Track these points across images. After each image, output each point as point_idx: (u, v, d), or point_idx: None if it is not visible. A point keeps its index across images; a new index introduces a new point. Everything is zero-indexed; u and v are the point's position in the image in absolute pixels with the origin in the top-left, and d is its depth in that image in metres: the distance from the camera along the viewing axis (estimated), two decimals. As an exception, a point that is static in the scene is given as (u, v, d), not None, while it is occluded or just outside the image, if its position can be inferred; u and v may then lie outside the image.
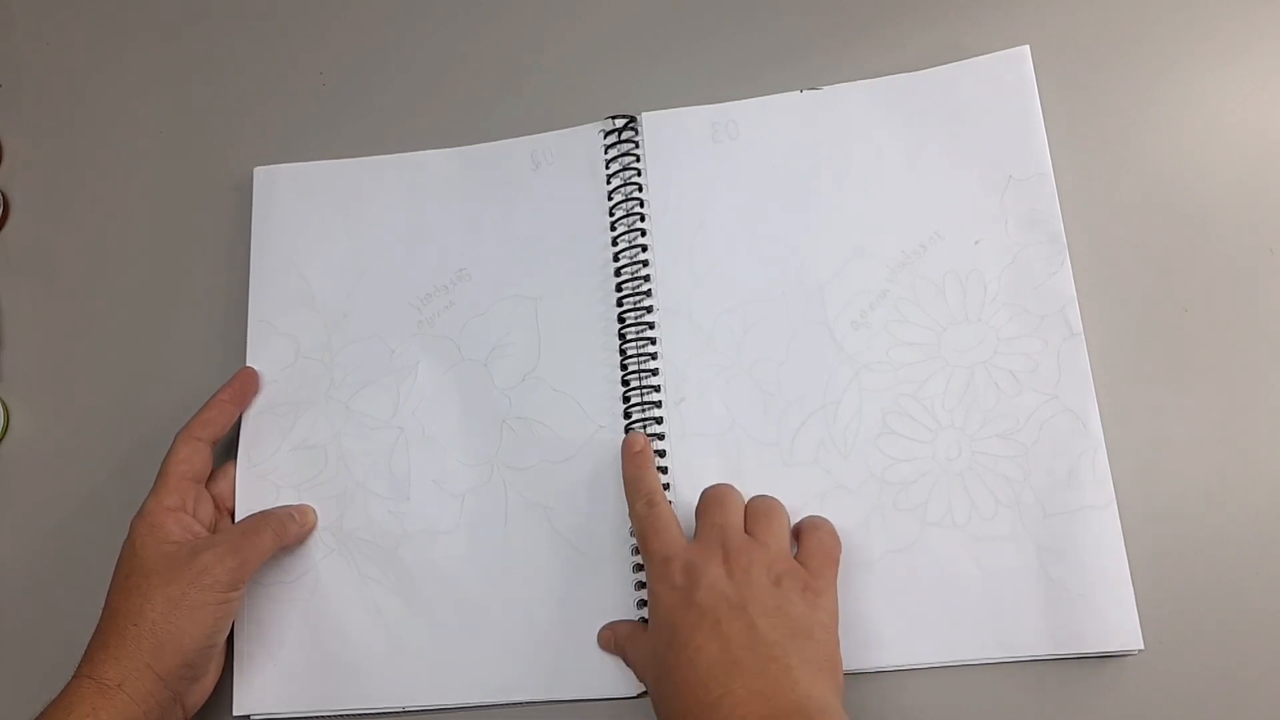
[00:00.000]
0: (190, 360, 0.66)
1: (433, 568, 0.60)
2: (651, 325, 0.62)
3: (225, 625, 0.55)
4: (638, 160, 0.64)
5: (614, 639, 0.57)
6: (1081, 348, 0.57)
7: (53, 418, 0.67)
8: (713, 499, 0.56)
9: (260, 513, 0.60)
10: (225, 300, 0.67)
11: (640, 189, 0.64)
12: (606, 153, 0.65)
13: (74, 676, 0.52)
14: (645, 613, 0.57)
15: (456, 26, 0.71)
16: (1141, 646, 0.53)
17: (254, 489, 0.62)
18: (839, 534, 0.55)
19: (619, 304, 0.62)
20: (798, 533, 0.56)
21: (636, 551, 0.58)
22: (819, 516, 0.56)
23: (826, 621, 0.51)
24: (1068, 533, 0.55)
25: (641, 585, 0.58)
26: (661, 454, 0.59)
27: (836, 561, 0.54)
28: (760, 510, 0.55)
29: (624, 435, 0.60)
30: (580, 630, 0.58)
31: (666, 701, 0.50)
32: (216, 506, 0.61)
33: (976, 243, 0.60)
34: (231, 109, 0.71)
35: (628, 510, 0.58)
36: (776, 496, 0.57)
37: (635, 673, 0.55)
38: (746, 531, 0.54)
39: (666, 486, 0.59)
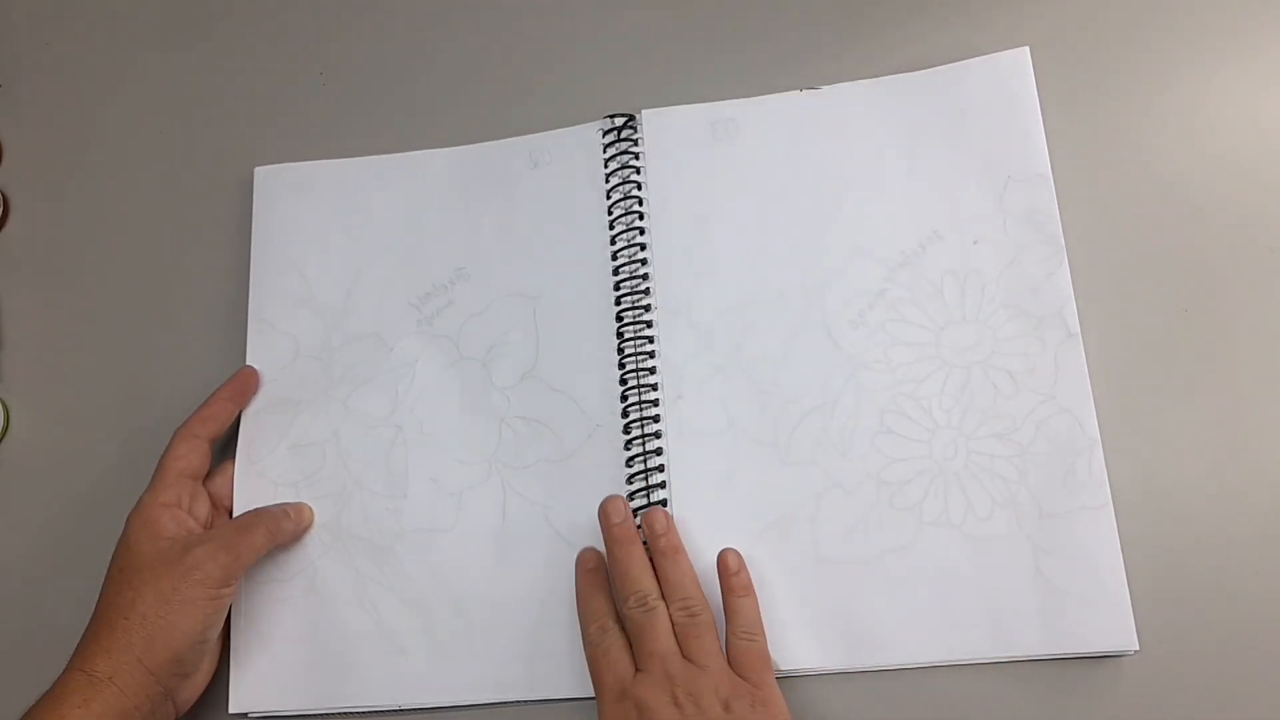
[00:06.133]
0: (190, 360, 0.66)
1: (430, 566, 0.60)
2: (650, 324, 0.62)
3: (217, 621, 0.55)
4: (637, 159, 0.64)
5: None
6: (1079, 348, 0.57)
7: (53, 418, 0.67)
8: (643, 623, 0.54)
9: (255, 510, 0.60)
10: (225, 300, 0.67)
11: (639, 188, 0.64)
12: (605, 151, 0.65)
13: (65, 669, 0.52)
14: None
15: (456, 27, 0.71)
16: (1137, 647, 0.53)
17: (252, 487, 0.62)
18: (761, 621, 0.55)
19: (617, 303, 0.62)
20: (725, 642, 0.55)
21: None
22: (737, 609, 0.55)
23: None
24: (1064, 533, 0.55)
25: None
26: (659, 452, 0.59)
27: (769, 660, 0.54)
28: (688, 630, 0.54)
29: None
30: (577, 629, 0.57)
31: None
32: (214, 504, 0.61)
33: (975, 243, 0.60)
34: (232, 109, 0.71)
35: (580, 626, 0.56)
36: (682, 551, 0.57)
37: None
38: (681, 650, 0.53)
39: (663, 485, 0.59)
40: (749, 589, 0.56)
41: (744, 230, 0.62)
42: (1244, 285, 0.59)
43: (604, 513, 0.58)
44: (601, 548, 0.58)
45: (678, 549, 0.57)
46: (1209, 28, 0.63)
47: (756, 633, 0.55)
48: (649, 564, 0.56)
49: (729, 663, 0.54)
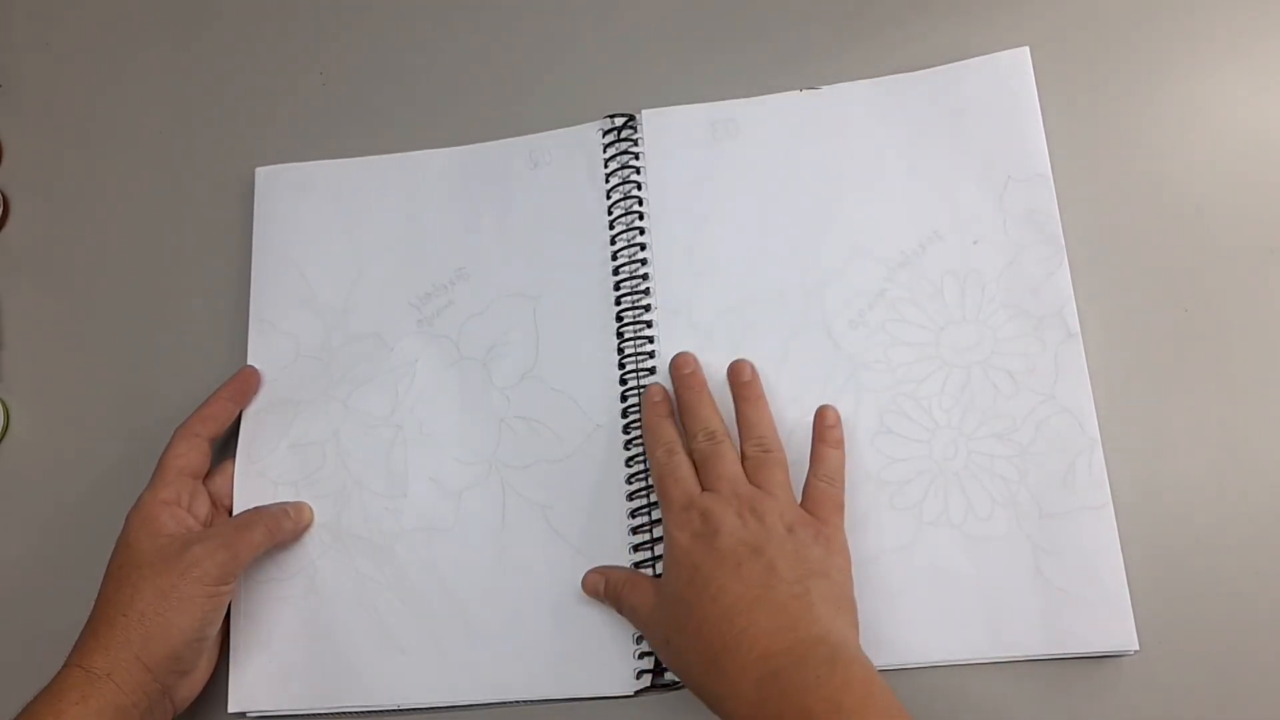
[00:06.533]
0: (190, 360, 0.67)
1: (429, 565, 0.60)
2: (650, 324, 0.62)
3: (215, 619, 0.55)
4: (637, 159, 0.64)
5: (606, 584, 0.57)
6: (1079, 348, 0.57)
7: (53, 418, 0.67)
8: (710, 453, 0.56)
9: (254, 508, 0.60)
10: (225, 300, 0.67)
11: (639, 188, 0.64)
12: (605, 151, 0.65)
13: (64, 665, 0.52)
14: (638, 562, 0.58)
15: (456, 27, 0.71)
16: (1137, 647, 0.53)
17: (252, 486, 0.62)
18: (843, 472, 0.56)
19: (617, 303, 0.62)
20: (804, 483, 0.56)
21: (634, 550, 0.58)
22: (823, 456, 0.56)
23: (842, 564, 0.53)
24: (1064, 533, 0.55)
25: (640, 544, 0.58)
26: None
27: (842, 508, 0.55)
28: (760, 463, 0.56)
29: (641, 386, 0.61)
30: (578, 629, 0.58)
31: (684, 639, 0.51)
32: (214, 503, 0.61)
33: (975, 243, 0.60)
34: (232, 109, 0.72)
35: (646, 457, 0.58)
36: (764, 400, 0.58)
37: (633, 618, 0.55)
38: (750, 480, 0.55)
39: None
40: (841, 443, 0.57)
41: (744, 230, 0.62)
42: (1244, 285, 0.59)
43: (675, 364, 0.60)
44: (601, 549, 0.59)
45: (761, 396, 0.58)
46: (1209, 28, 0.63)
47: (837, 481, 0.56)
48: (717, 407, 0.58)
49: (803, 501, 0.55)
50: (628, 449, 0.60)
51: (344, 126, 0.70)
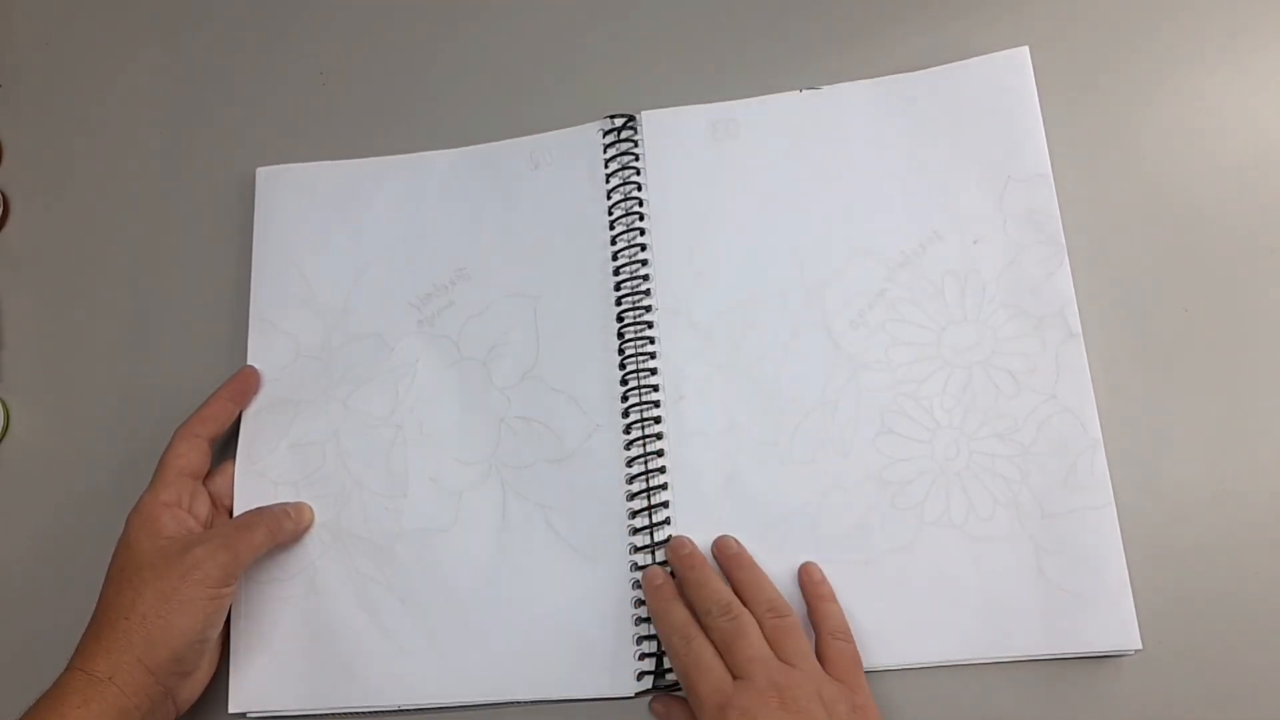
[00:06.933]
0: (190, 360, 0.66)
1: (430, 566, 0.60)
2: (650, 324, 0.61)
3: (217, 620, 0.55)
4: (637, 159, 0.64)
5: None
6: (1080, 348, 0.57)
7: (53, 418, 0.67)
8: (732, 631, 0.53)
9: (255, 509, 0.60)
10: (225, 300, 0.67)
11: (639, 188, 0.64)
12: (605, 152, 0.65)
13: (66, 669, 0.52)
14: (638, 564, 0.57)
15: (457, 27, 0.71)
16: (1139, 647, 0.53)
17: (252, 486, 0.62)
18: (848, 620, 0.55)
19: (618, 303, 0.62)
20: (816, 644, 0.54)
21: (635, 550, 0.58)
22: (826, 612, 0.55)
23: None
24: (1065, 533, 0.55)
25: (640, 546, 0.58)
26: (660, 454, 0.59)
27: (861, 663, 0.54)
28: (779, 631, 0.53)
29: (639, 567, 0.58)
30: (577, 629, 0.58)
31: None
32: (214, 504, 0.61)
33: (975, 243, 0.60)
34: (232, 109, 0.71)
35: (662, 645, 0.56)
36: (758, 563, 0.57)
37: None
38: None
39: (664, 487, 0.59)
40: (834, 596, 0.56)
41: (744, 230, 0.62)
42: (1244, 285, 0.59)
43: (672, 548, 0.57)
44: (601, 549, 0.59)
45: (753, 562, 0.57)
46: (1208, 28, 0.63)
47: (848, 634, 0.54)
48: (724, 580, 0.56)
49: (824, 664, 0.53)
50: (628, 449, 0.60)
51: (344, 126, 0.70)
